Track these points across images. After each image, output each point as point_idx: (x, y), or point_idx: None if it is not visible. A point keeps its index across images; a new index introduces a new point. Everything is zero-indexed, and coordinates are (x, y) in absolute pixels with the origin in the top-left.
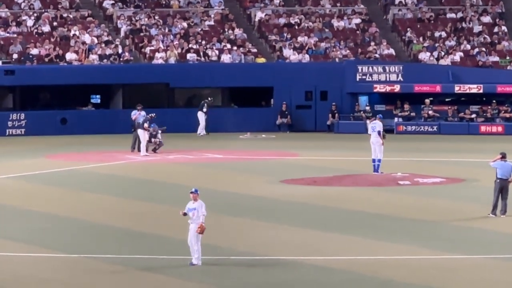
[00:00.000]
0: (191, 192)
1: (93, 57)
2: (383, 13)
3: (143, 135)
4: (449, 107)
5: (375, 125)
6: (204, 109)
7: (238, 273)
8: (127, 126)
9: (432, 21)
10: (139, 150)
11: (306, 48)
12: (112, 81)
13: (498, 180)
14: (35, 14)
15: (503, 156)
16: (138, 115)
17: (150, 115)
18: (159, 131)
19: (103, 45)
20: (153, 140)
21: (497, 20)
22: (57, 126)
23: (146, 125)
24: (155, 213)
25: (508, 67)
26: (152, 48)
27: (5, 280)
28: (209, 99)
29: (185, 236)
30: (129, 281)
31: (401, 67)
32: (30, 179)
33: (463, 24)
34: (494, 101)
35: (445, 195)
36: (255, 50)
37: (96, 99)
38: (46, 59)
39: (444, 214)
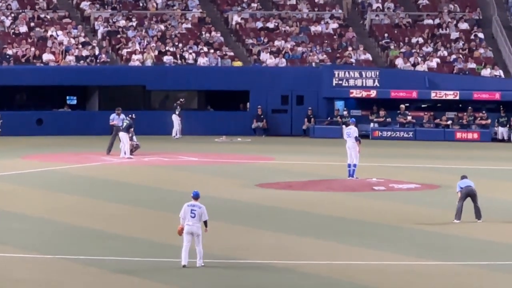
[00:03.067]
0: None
1: (70, 58)
2: (360, 18)
3: (125, 138)
4: (425, 113)
5: (350, 131)
6: (177, 111)
7: (212, 276)
8: (103, 127)
9: (409, 27)
10: (109, 151)
11: (283, 52)
12: (88, 82)
13: (463, 188)
14: (12, 15)
15: (464, 177)
16: (117, 119)
17: (130, 115)
18: (134, 133)
19: (80, 46)
20: (130, 142)
21: (474, 27)
22: (33, 127)
23: (132, 129)
24: (129, 215)
25: (482, 73)
26: (129, 50)
27: None
28: (181, 100)
29: (160, 238)
30: (103, 282)
31: (377, 73)
32: (4, 179)
33: (440, 31)
34: (470, 107)
35: (420, 201)
36: (231, 54)
37: (72, 100)
38: (23, 60)
39: (419, 220)
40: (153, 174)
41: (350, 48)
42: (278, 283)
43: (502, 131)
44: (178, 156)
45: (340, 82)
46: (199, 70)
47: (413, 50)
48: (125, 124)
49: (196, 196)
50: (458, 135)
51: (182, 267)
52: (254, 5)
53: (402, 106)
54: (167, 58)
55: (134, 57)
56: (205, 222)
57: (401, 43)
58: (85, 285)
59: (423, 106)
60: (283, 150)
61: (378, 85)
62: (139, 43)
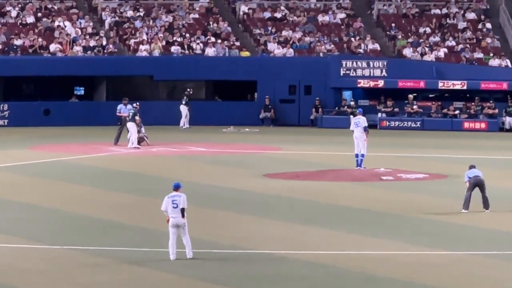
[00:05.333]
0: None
1: (77, 48)
2: (368, 8)
3: (133, 128)
4: (433, 103)
5: (359, 120)
6: (184, 101)
7: (220, 266)
8: (111, 118)
9: (417, 17)
10: (116, 141)
11: (291, 42)
12: (96, 73)
13: (472, 178)
14: (20, 5)
15: (472, 167)
16: (124, 109)
17: (135, 105)
18: (142, 124)
19: (87, 36)
20: (138, 135)
21: (481, 16)
22: (40, 117)
23: (137, 118)
24: (137, 205)
25: (490, 63)
26: (136, 40)
27: None
28: (188, 90)
29: (168, 228)
30: (111, 273)
31: (385, 63)
32: (12, 170)
33: (448, 20)
34: (477, 97)
35: (428, 191)
36: (239, 44)
37: (80, 90)
38: (30, 50)
39: (426, 209)
40: (161, 164)
41: (357, 38)
42: (286, 273)
43: (509, 121)
44: (186, 146)
45: (348, 72)
46: (207, 60)
47: (421, 40)
48: (131, 113)
49: (176, 187)
50: (466, 124)
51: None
52: None
53: (410, 96)
54: (174, 48)
55: (141, 47)
56: (182, 210)
57: (408, 33)
58: (93, 275)
59: (430, 96)
60: (291, 140)
61: (385, 75)
62: (147, 33)
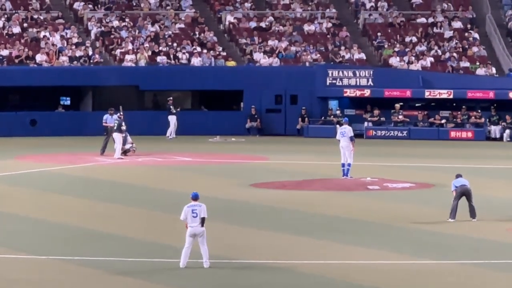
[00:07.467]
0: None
1: (63, 58)
2: (354, 17)
3: (118, 138)
4: (419, 112)
5: (345, 130)
6: (173, 111)
7: (207, 276)
8: (97, 128)
9: (403, 26)
10: (102, 151)
11: (277, 51)
12: (82, 83)
13: (458, 187)
14: (6, 15)
15: (459, 176)
16: (110, 119)
17: (119, 114)
18: (127, 133)
19: (73, 47)
20: (127, 146)
21: (467, 25)
22: (26, 128)
23: (123, 128)
24: (124, 216)
25: (477, 72)
26: (122, 50)
27: None
28: (169, 99)
29: (154, 238)
30: (98, 283)
31: (371, 72)
32: None
33: (434, 29)
34: (464, 106)
35: (414, 200)
36: (225, 54)
37: (66, 101)
38: (16, 61)
39: (413, 219)
40: (147, 175)
41: (343, 47)
42: (273, 283)
43: (495, 130)
44: (172, 156)
45: (334, 81)
46: (193, 70)
47: (407, 49)
48: (115, 124)
49: (195, 197)
50: (452, 134)
51: (180, 268)
52: (247, 4)
53: (397, 105)
54: (160, 58)
55: (127, 57)
56: (203, 220)
57: (395, 42)
58: (80, 286)
59: (417, 105)
60: (277, 149)
61: (372, 84)
62: (133, 43)
